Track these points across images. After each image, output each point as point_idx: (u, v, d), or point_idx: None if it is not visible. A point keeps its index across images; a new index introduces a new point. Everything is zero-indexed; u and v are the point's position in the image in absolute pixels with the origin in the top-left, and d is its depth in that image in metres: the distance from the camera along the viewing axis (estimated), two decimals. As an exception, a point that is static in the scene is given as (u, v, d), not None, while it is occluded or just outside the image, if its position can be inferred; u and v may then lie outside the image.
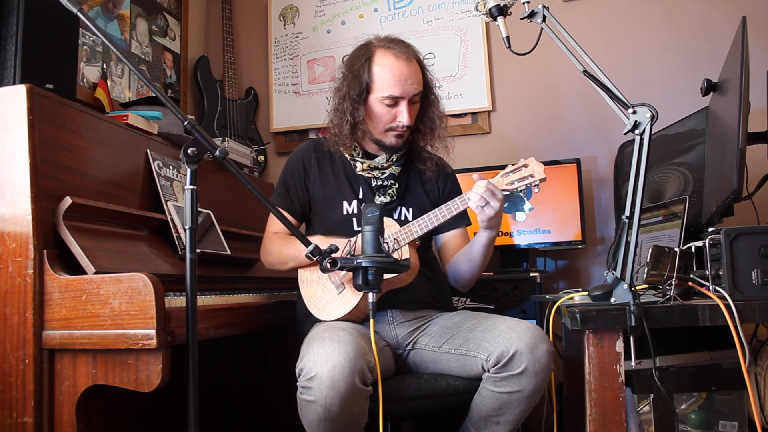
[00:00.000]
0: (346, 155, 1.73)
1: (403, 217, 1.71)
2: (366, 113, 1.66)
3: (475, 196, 1.50)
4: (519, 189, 1.53)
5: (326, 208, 1.71)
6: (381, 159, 1.72)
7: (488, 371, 1.41)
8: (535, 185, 1.52)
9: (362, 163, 1.71)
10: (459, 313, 1.67)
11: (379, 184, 1.71)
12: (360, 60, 1.66)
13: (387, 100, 1.62)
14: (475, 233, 1.64)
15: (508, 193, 1.53)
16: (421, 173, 1.76)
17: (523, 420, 1.44)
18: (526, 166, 1.52)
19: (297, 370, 1.34)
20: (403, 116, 1.63)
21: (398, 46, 1.66)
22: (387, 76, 1.62)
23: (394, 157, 1.73)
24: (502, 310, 2.17)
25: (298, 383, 1.32)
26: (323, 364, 1.28)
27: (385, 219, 1.52)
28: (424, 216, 1.57)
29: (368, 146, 1.74)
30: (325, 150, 1.75)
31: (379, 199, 1.70)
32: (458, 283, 1.74)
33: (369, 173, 1.71)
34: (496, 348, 1.40)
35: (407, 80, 1.62)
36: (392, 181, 1.72)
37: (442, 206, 1.56)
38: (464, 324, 1.55)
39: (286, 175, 1.76)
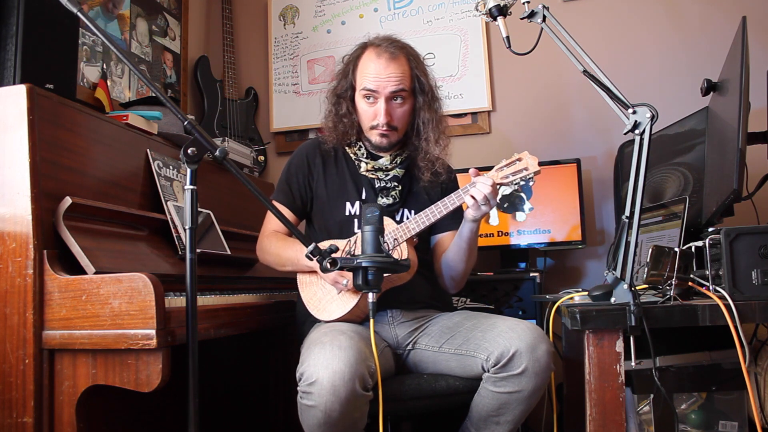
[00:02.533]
0: (351, 154, 1.73)
1: (405, 219, 1.71)
2: (354, 110, 1.69)
3: (479, 194, 1.50)
4: (513, 182, 1.54)
5: (329, 208, 1.71)
6: (385, 160, 1.72)
7: (488, 371, 1.41)
8: (529, 178, 1.53)
9: (366, 163, 1.71)
10: (459, 313, 1.67)
11: (382, 185, 1.71)
12: (351, 58, 1.69)
13: (364, 92, 1.64)
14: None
15: (502, 186, 1.55)
16: (424, 175, 1.76)
17: (524, 420, 1.44)
18: (519, 159, 1.54)
19: (297, 375, 1.34)
20: (380, 113, 1.63)
21: (388, 43, 1.66)
22: (365, 69, 1.64)
23: (398, 159, 1.73)
24: (502, 310, 2.17)
25: (298, 388, 1.32)
26: (324, 369, 1.27)
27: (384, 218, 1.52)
28: (421, 213, 1.58)
29: (370, 146, 1.74)
30: (330, 149, 1.75)
31: (382, 200, 1.70)
32: (451, 281, 1.72)
33: (373, 174, 1.71)
34: (496, 348, 1.40)
35: (384, 75, 1.62)
36: (395, 183, 1.72)
37: (438, 203, 1.57)
38: (464, 324, 1.55)
39: (290, 171, 1.76)
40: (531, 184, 1.55)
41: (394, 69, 1.63)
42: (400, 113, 1.67)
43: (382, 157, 1.73)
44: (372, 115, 1.65)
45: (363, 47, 1.69)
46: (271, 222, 1.75)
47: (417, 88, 1.68)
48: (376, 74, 1.62)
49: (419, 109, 1.70)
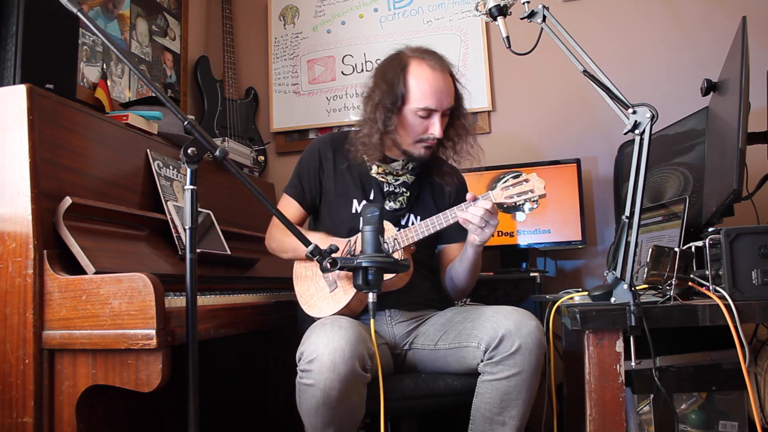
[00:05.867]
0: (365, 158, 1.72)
1: (411, 224, 1.71)
2: (398, 123, 1.64)
3: (475, 218, 1.49)
4: (517, 203, 1.53)
5: (336, 204, 1.72)
6: (397, 165, 1.71)
7: (483, 360, 1.42)
8: (534, 200, 1.52)
9: (378, 166, 1.70)
10: (451, 309, 1.68)
11: (390, 189, 1.71)
12: (395, 69, 1.63)
13: (421, 112, 1.60)
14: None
15: (504, 207, 1.54)
16: (433, 184, 1.75)
17: (527, 416, 1.43)
18: (527, 180, 1.52)
19: (297, 355, 1.35)
20: (436, 128, 1.61)
21: (432, 57, 1.64)
22: (423, 87, 1.59)
23: (410, 166, 1.72)
24: (502, 310, 2.17)
25: (298, 368, 1.34)
26: (324, 346, 1.29)
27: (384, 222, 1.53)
28: (422, 222, 1.58)
29: (390, 152, 1.71)
30: (344, 146, 1.74)
31: (389, 205, 1.70)
32: (454, 293, 1.76)
33: (383, 177, 1.71)
34: (485, 333, 1.41)
35: (442, 93, 1.60)
36: (404, 189, 1.72)
37: (440, 214, 1.56)
38: (455, 318, 1.57)
39: (302, 165, 1.77)
40: (534, 207, 1.54)
41: (446, 85, 1.62)
42: (444, 126, 1.66)
43: (395, 161, 1.72)
44: (423, 129, 1.63)
45: (404, 58, 1.64)
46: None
47: (457, 100, 1.68)
48: (437, 91, 1.59)
49: (456, 120, 1.70)
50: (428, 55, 1.64)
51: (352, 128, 1.77)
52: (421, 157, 1.67)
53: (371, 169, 1.71)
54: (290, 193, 1.76)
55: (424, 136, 1.63)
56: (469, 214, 1.50)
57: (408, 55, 1.65)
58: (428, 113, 1.61)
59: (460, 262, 1.66)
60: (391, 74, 1.63)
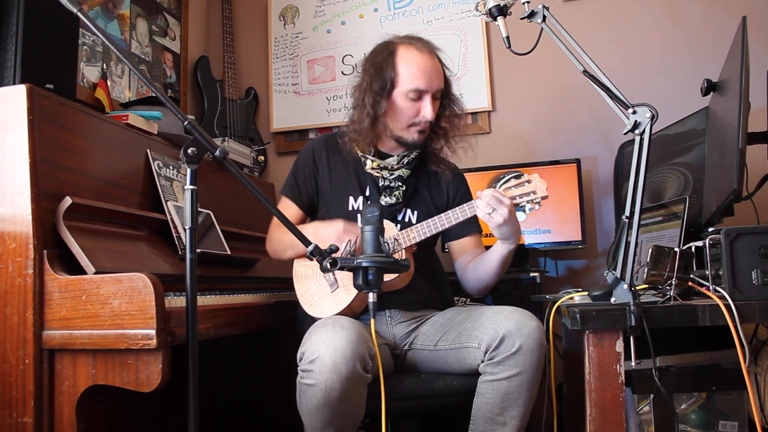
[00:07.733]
0: (357, 151, 1.72)
1: (407, 219, 1.71)
2: (388, 108, 1.64)
3: (481, 203, 1.50)
4: (519, 204, 1.53)
5: (333, 202, 1.72)
6: (392, 160, 1.71)
7: (483, 361, 1.41)
8: (536, 202, 1.52)
9: (372, 161, 1.70)
10: (451, 309, 1.67)
11: (386, 184, 1.71)
12: (382, 54, 1.64)
13: (412, 94, 1.61)
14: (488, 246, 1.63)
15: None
16: (430, 177, 1.75)
17: (528, 416, 1.43)
18: (529, 181, 1.52)
19: (298, 355, 1.35)
20: (427, 110, 1.61)
21: (419, 41, 1.66)
22: (412, 68, 1.61)
23: (405, 160, 1.71)
24: (502, 310, 2.16)
25: (298, 368, 1.33)
26: (325, 346, 1.29)
27: (384, 222, 1.53)
28: (425, 222, 1.57)
29: (384, 145, 1.72)
30: (338, 145, 1.74)
31: (385, 200, 1.69)
32: (470, 290, 1.74)
33: (378, 172, 1.71)
34: (486, 333, 1.41)
35: (432, 73, 1.61)
36: (399, 183, 1.71)
37: (444, 214, 1.56)
38: (455, 319, 1.56)
39: (297, 167, 1.78)
40: (537, 208, 1.54)
41: (435, 66, 1.63)
42: (436, 110, 1.66)
43: (390, 156, 1.72)
44: (414, 112, 1.63)
45: (392, 44, 1.66)
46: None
47: (446, 84, 1.69)
48: (426, 71, 1.60)
49: (447, 106, 1.70)
50: (415, 40, 1.67)
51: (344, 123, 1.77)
52: (415, 142, 1.67)
53: (366, 164, 1.71)
54: (287, 195, 1.76)
55: (416, 119, 1.64)
56: (477, 201, 1.51)
57: (396, 42, 1.67)
58: (419, 95, 1.61)
59: (485, 259, 1.63)
60: (379, 59, 1.64)
